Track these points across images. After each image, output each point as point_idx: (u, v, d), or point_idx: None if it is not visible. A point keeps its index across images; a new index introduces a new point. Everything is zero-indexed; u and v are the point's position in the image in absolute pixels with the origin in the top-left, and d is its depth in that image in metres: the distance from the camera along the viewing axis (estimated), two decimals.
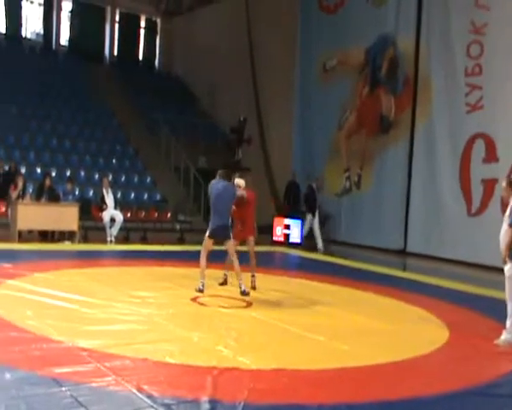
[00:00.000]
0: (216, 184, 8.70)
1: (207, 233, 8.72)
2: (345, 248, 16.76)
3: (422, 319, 8.33)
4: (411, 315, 8.67)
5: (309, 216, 15.91)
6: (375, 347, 6.64)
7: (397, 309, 9.03)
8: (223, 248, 8.92)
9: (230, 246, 8.76)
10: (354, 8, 18.27)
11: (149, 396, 4.58)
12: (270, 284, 10.50)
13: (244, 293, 8.66)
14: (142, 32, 27.19)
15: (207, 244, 8.79)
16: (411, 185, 16.41)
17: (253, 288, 9.32)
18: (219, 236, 8.70)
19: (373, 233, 17.04)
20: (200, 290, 8.59)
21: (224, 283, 9.48)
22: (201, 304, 8.18)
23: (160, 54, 27.53)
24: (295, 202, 18.32)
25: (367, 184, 17.81)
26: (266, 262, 13.62)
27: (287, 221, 16.91)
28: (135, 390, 4.68)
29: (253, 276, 9.43)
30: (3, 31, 23.66)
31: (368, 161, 17.79)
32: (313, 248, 15.89)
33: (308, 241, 16.20)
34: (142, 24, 27.19)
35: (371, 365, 5.95)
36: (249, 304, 8.30)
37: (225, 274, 9.52)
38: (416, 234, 16.14)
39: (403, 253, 16.28)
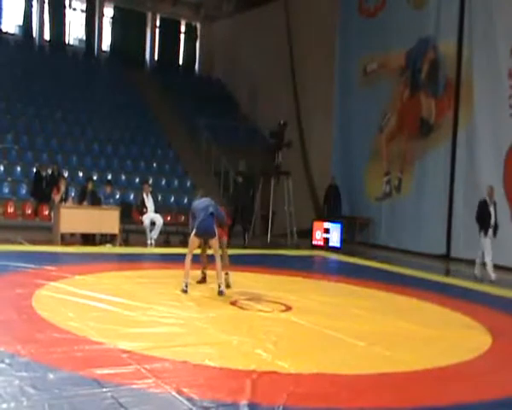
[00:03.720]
0: (200, 202, 9.18)
1: (193, 232, 8.88)
2: (385, 253, 16.60)
3: (465, 326, 8.19)
4: (454, 321, 8.52)
5: (481, 234, 12.82)
6: (416, 353, 6.55)
7: (439, 315, 8.90)
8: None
9: (215, 244, 8.97)
10: (394, 11, 18.14)
11: (189, 399, 4.59)
12: (309, 287, 10.48)
13: (221, 293, 8.76)
14: (182, 36, 27.41)
15: (194, 244, 8.99)
16: (454, 189, 16.18)
17: (228, 286, 9.42)
18: (206, 234, 8.94)
19: (414, 238, 16.85)
20: (184, 291, 8.65)
21: (203, 280, 9.63)
22: (241, 308, 8.19)
23: (200, 58, 27.72)
24: (335, 206, 18.26)
25: (407, 188, 17.63)
26: (306, 266, 13.63)
27: (326, 225, 16.82)
28: (175, 393, 4.70)
29: (226, 274, 9.54)
30: (48, 38, 24.11)
31: (408, 164, 17.61)
32: (354, 253, 15.74)
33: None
34: (183, 29, 27.41)
35: (413, 371, 5.87)
36: (288, 308, 8.27)
37: (204, 272, 9.69)
38: (459, 239, 15.89)
39: (446, 258, 16.05)
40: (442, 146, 16.63)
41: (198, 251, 9.56)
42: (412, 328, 7.71)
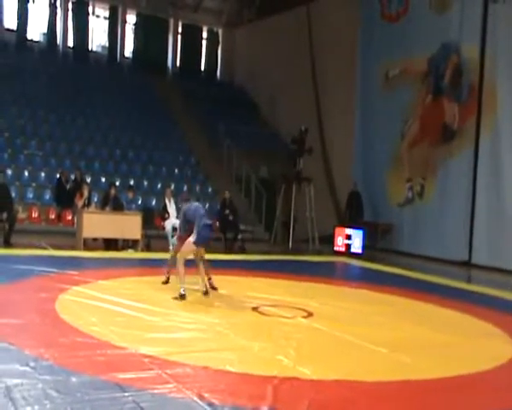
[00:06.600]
0: (196, 207, 9.15)
1: (193, 241, 8.82)
2: (407, 259, 16.49)
3: (488, 333, 8.11)
4: (476, 329, 8.45)
5: None
6: (438, 360, 6.50)
7: (461, 322, 8.82)
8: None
9: (203, 252, 9.22)
10: (417, 16, 18.06)
11: (210, 404, 4.60)
12: (330, 293, 10.45)
13: (206, 293, 8.96)
14: (204, 43, 27.55)
15: (189, 251, 9.02)
16: (476, 195, 16.04)
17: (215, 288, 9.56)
18: (205, 244, 9.14)
19: (436, 244, 16.74)
20: (182, 296, 8.63)
21: (167, 281, 9.75)
22: (262, 314, 8.18)
23: (221, 64, 27.82)
24: (357, 212, 18.20)
25: (430, 194, 17.51)
26: (327, 272, 13.59)
27: (348, 231, 16.77)
28: (196, 398, 4.71)
29: (210, 279, 9.63)
30: (71, 44, 24.36)
31: (431, 170, 17.50)
32: (376, 259, 15.66)
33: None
34: (205, 35, 27.55)
35: (434, 378, 5.81)
36: (310, 314, 8.26)
37: (169, 272, 9.77)
38: (481, 245, 15.76)
39: (467, 264, 15.92)
40: (465, 152, 16.50)
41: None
42: (433, 335, 7.65)
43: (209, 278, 9.58)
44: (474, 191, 16.10)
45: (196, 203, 9.41)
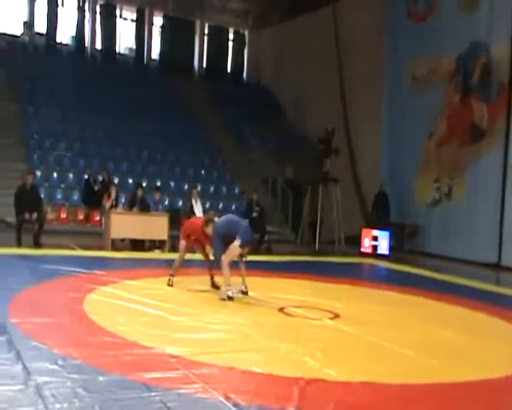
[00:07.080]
0: (226, 219, 9.51)
1: (239, 243, 8.86)
2: (435, 261, 16.35)
3: None
4: (504, 332, 8.34)
5: None
6: (465, 363, 6.43)
7: (490, 325, 8.72)
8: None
9: (247, 252, 9.23)
10: (444, 15, 17.90)
11: (236, 405, 4.61)
12: (358, 295, 10.41)
13: (245, 293, 9.04)
14: (230, 44, 27.63)
15: (235, 254, 9.03)
16: (505, 196, 15.83)
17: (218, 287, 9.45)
18: (251, 243, 9.41)
19: (464, 246, 16.55)
20: (230, 298, 8.65)
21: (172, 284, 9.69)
22: (288, 315, 8.18)
23: (247, 66, 27.86)
24: (384, 213, 18.09)
25: (458, 194, 17.34)
26: (354, 273, 13.54)
27: (375, 232, 16.67)
28: (222, 398, 4.72)
29: (212, 277, 9.65)
30: (99, 47, 24.64)
31: (459, 170, 17.32)
32: (402, 261, 15.53)
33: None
34: (231, 36, 27.63)
35: (460, 382, 5.75)
36: (336, 316, 8.22)
37: (173, 275, 9.77)
38: (511, 247, 15.54)
39: (497, 267, 15.72)
40: (494, 152, 16.30)
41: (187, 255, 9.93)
42: (461, 338, 7.56)
43: (212, 277, 9.56)
44: (503, 192, 15.89)
45: (222, 218, 9.51)
